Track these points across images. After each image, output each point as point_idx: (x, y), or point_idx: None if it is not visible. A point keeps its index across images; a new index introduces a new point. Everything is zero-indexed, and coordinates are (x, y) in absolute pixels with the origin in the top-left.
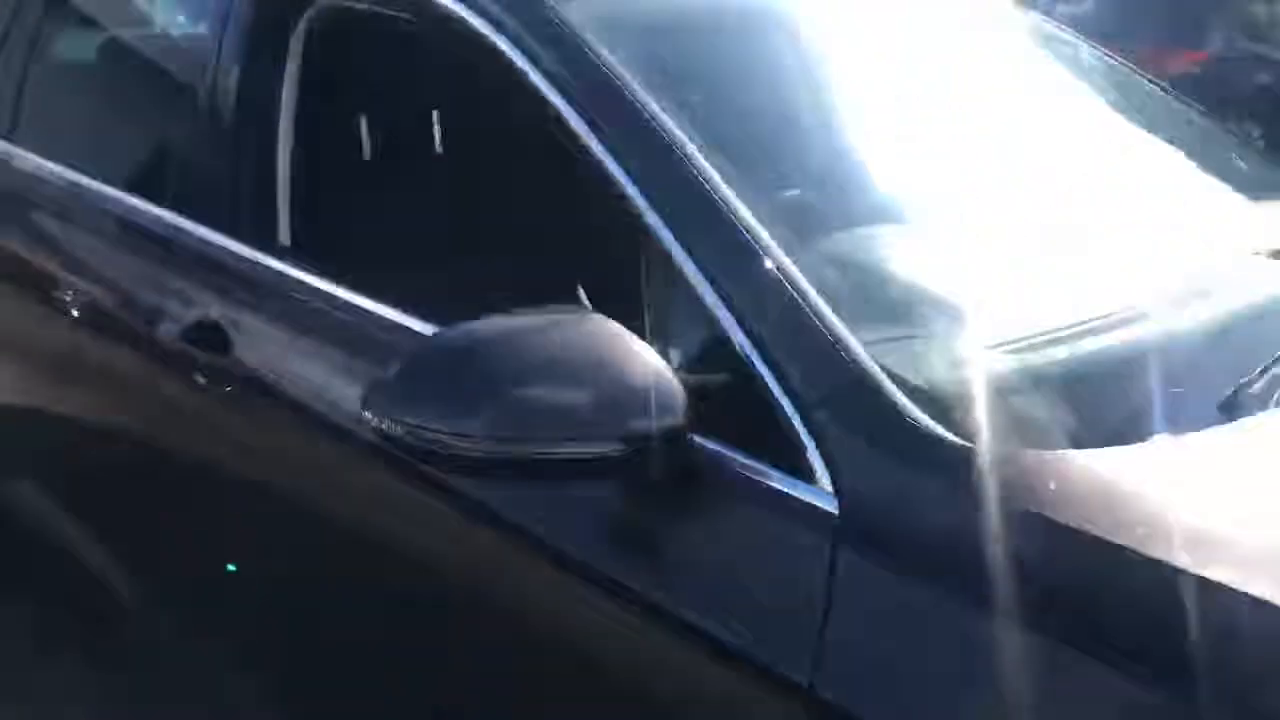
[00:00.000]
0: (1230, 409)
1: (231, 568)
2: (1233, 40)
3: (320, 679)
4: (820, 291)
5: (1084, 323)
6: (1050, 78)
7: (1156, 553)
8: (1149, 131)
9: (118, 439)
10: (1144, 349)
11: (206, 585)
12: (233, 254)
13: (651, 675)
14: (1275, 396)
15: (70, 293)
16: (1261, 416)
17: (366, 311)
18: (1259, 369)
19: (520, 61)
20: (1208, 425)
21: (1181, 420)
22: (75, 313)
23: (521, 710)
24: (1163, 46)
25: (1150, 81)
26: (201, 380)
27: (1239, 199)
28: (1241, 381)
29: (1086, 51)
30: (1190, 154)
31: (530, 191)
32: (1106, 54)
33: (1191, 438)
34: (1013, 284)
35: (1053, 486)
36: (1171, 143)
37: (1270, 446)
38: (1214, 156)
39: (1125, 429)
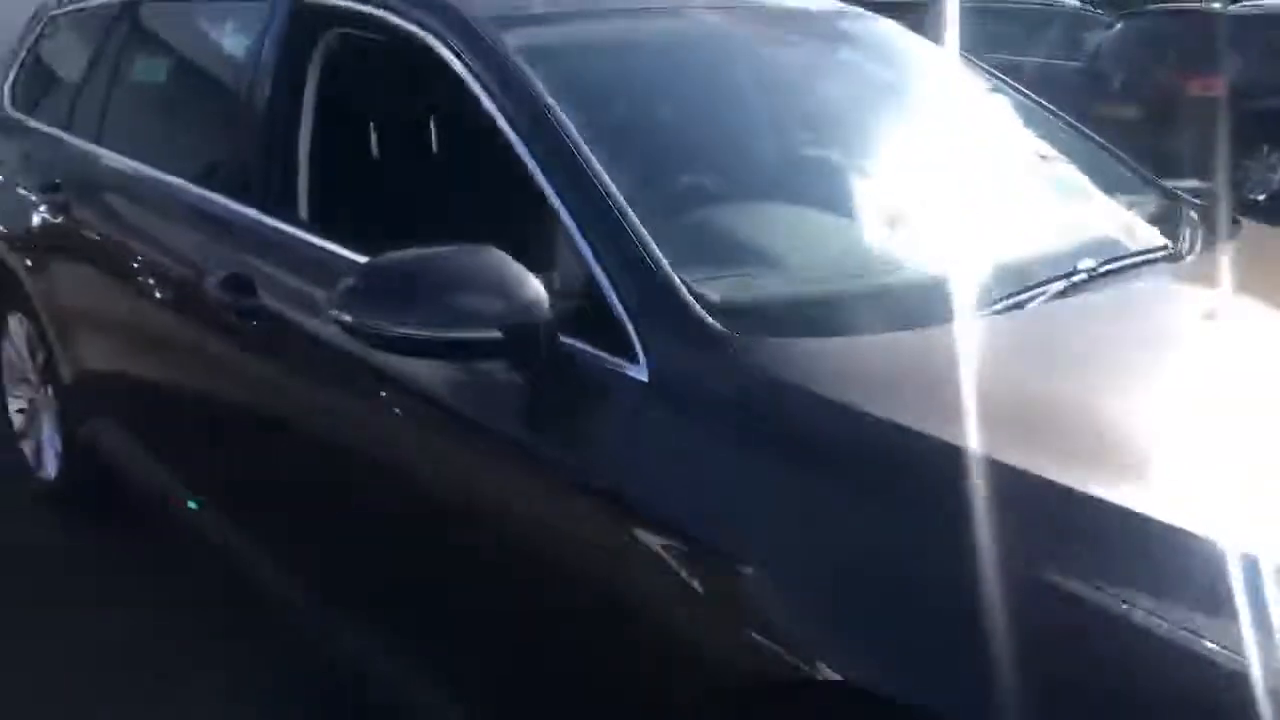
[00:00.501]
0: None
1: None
2: (1248, 66)
3: (324, 533)
4: (651, 235)
5: (846, 266)
6: (866, 84)
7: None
8: (984, 130)
9: (172, 367)
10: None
11: (241, 475)
12: (262, 224)
13: (522, 489)
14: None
15: (140, 254)
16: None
17: (352, 260)
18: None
19: (466, 76)
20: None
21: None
22: (142, 269)
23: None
24: (1183, 72)
25: (1007, 85)
26: (235, 319)
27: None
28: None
29: (943, 65)
30: (1023, 154)
31: (466, 168)
32: (975, 66)
33: (893, 335)
34: (798, 241)
35: (791, 364)
36: (1003, 145)
37: (991, 338)
38: (1059, 160)
39: (844, 329)
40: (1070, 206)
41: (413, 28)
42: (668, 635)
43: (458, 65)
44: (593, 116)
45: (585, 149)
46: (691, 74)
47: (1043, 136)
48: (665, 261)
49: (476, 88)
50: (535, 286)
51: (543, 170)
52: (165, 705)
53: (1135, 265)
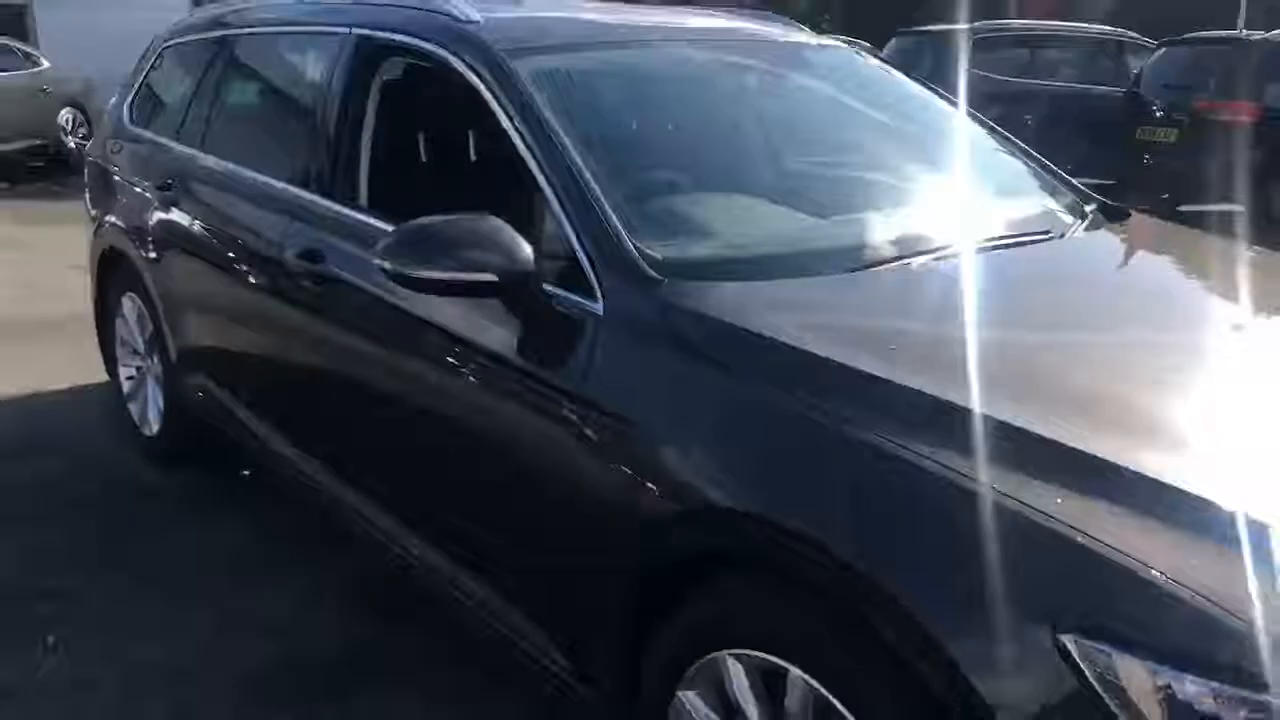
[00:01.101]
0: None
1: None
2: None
3: (372, 446)
4: (613, 211)
5: (758, 236)
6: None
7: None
8: (901, 135)
9: (256, 330)
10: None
11: (313, 412)
12: (330, 208)
13: (515, 393)
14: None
15: (232, 236)
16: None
17: None
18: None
19: (486, 93)
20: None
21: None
22: (234, 249)
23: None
24: (1218, 98)
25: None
26: (307, 282)
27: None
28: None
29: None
30: (932, 153)
31: (482, 161)
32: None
33: (779, 282)
34: (726, 218)
35: (702, 299)
36: (916, 147)
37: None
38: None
39: (745, 278)
40: (958, 194)
41: (449, 56)
42: (613, 484)
43: (480, 86)
44: (578, 124)
45: (570, 148)
46: (658, 91)
47: (956, 139)
48: (623, 230)
49: (493, 102)
50: (524, 245)
51: (537, 163)
52: (252, 601)
53: (998, 242)
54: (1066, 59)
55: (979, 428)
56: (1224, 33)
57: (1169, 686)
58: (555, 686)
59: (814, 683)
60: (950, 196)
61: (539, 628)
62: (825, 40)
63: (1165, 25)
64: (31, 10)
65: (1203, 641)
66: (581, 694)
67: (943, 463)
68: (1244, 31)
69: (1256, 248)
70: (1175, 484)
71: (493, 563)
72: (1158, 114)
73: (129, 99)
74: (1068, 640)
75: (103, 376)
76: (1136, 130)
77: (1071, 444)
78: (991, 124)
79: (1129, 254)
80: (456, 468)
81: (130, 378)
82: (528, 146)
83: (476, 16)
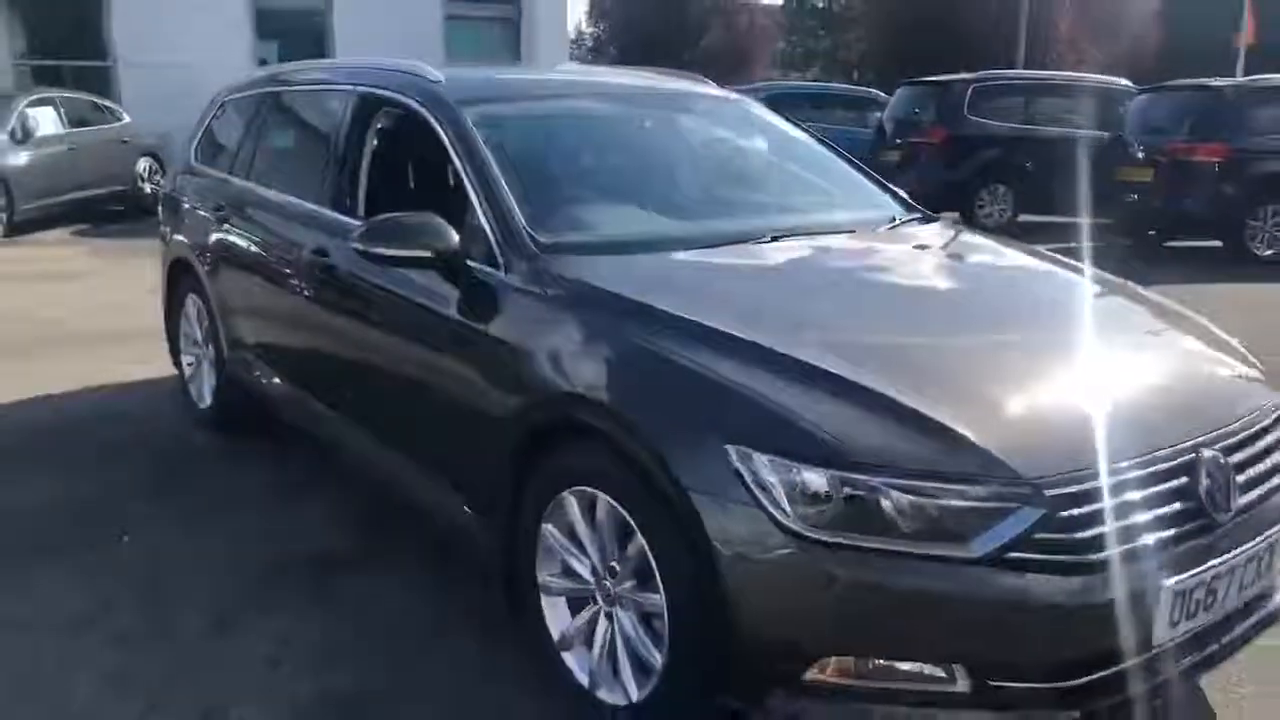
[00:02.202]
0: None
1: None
2: (1253, 135)
3: (365, 387)
4: (519, 208)
5: (625, 227)
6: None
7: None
8: (759, 160)
9: (284, 315)
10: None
11: (326, 370)
12: (334, 217)
13: (447, 337)
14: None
15: (267, 242)
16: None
17: None
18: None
19: (439, 130)
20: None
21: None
22: (268, 252)
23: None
24: (1190, 140)
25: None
26: (319, 273)
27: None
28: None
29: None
30: (785, 174)
31: (436, 175)
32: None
33: (629, 258)
34: (603, 214)
35: (572, 267)
36: (769, 170)
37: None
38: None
39: (607, 253)
40: (793, 201)
41: (418, 106)
42: (509, 386)
43: (437, 125)
44: (502, 150)
45: (494, 168)
46: (566, 129)
47: (808, 165)
48: (522, 223)
49: (444, 137)
50: (452, 233)
51: (469, 179)
52: (268, 517)
53: (817, 234)
54: (1062, 106)
55: (716, 339)
56: (1195, 80)
57: (793, 472)
58: (466, 530)
59: (611, 500)
60: (787, 202)
61: (457, 491)
62: (721, 92)
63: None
64: (116, 71)
65: (813, 447)
66: (484, 539)
67: (687, 357)
68: (1214, 79)
69: (1013, 244)
70: (796, 356)
71: (431, 449)
72: (1139, 155)
73: (194, 142)
74: (730, 447)
75: (168, 372)
76: (1119, 171)
77: (755, 340)
78: (849, 156)
79: (902, 245)
80: (410, 387)
81: (190, 363)
82: (464, 166)
83: (439, 77)
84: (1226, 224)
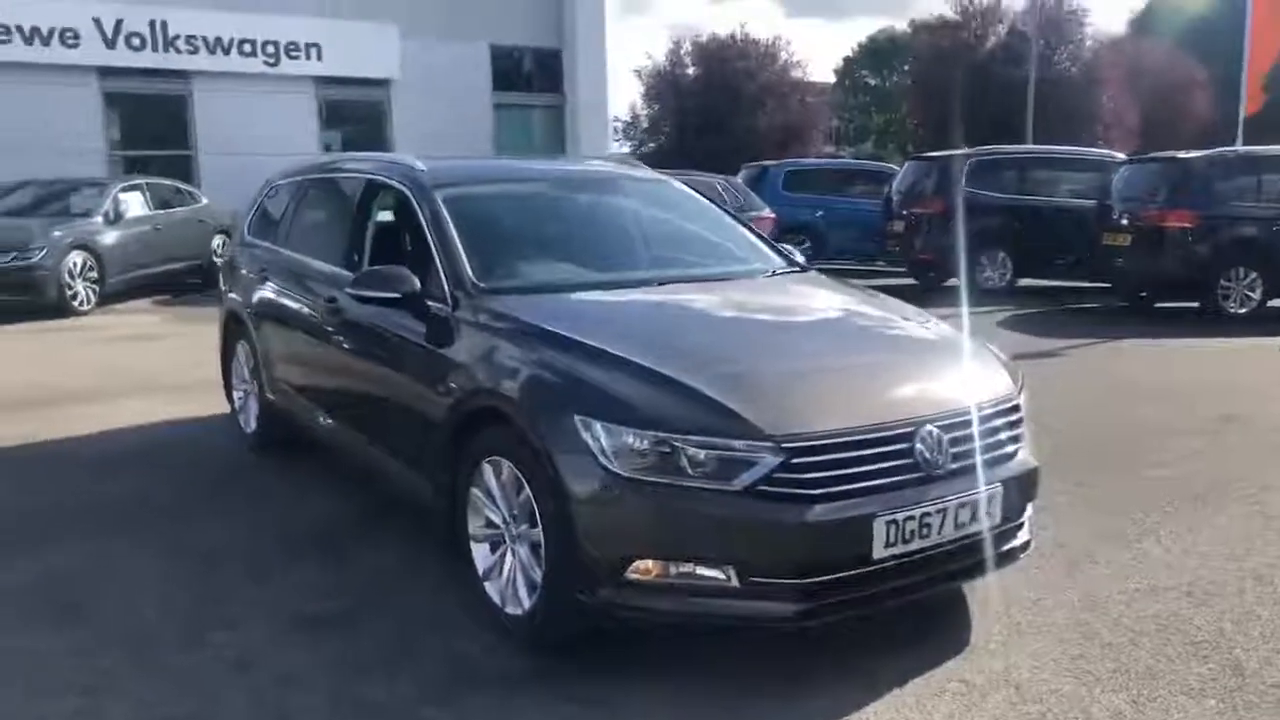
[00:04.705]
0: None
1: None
2: (1225, 202)
3: (363, 400)
4: (469, 263)
5: (554, 277)
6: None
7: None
8: (671, 223)
9: (308, 352)
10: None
11: (339, 393)
12: (344, 273)
13: (415, 359)
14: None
15: (295, 295)
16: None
17: None
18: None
19: (416, 206)
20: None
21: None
22: (296, 302)
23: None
24: (1164, 207)
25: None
26: (330, 316)
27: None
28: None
29: (671, 187)
30: (687, 232)
31: (411, 240)
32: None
33: (551, 296)
34: (537, 269)
35: (502, 304)
36: (678, 230)
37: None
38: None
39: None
40: (688, 257)
41: (404, 187)
42: (449, 387)
43: (415, 202)
44: (461, 220)
45: (453, 232)
46: (518, 206)
47: (710, 230)
48: (469, 272)
49: (420, 211)
50: (415, 280)
51: (434, 241)
52: (293, 509)
53: (697, 281)
54: (1056, 178)
55: (583, 348)
56: (1171, 153)
57: (619, 434)
58: (425, 501)
59: (510, 464)
60: (682, 258)
61: (413, 466)
62: (649, 174)
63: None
64: (197, 159)
65: (634, 416)
66: (435, 504)
67: (560, 359)
68: (1187, 151)
69: (857, 288)
70: (634, 359)
71: (394, 438)
72: (1122, 222)
73: (249, 219)
74: (578, 418)
75: (223, 410)
76: (1103, 237)
77: (607, 349)
78: (748, 223)
79: (772, 289)
80: (391, 397)
81: (239, 397)
82: (431, 232)
83: (424, 167)
84: (1201, 286)
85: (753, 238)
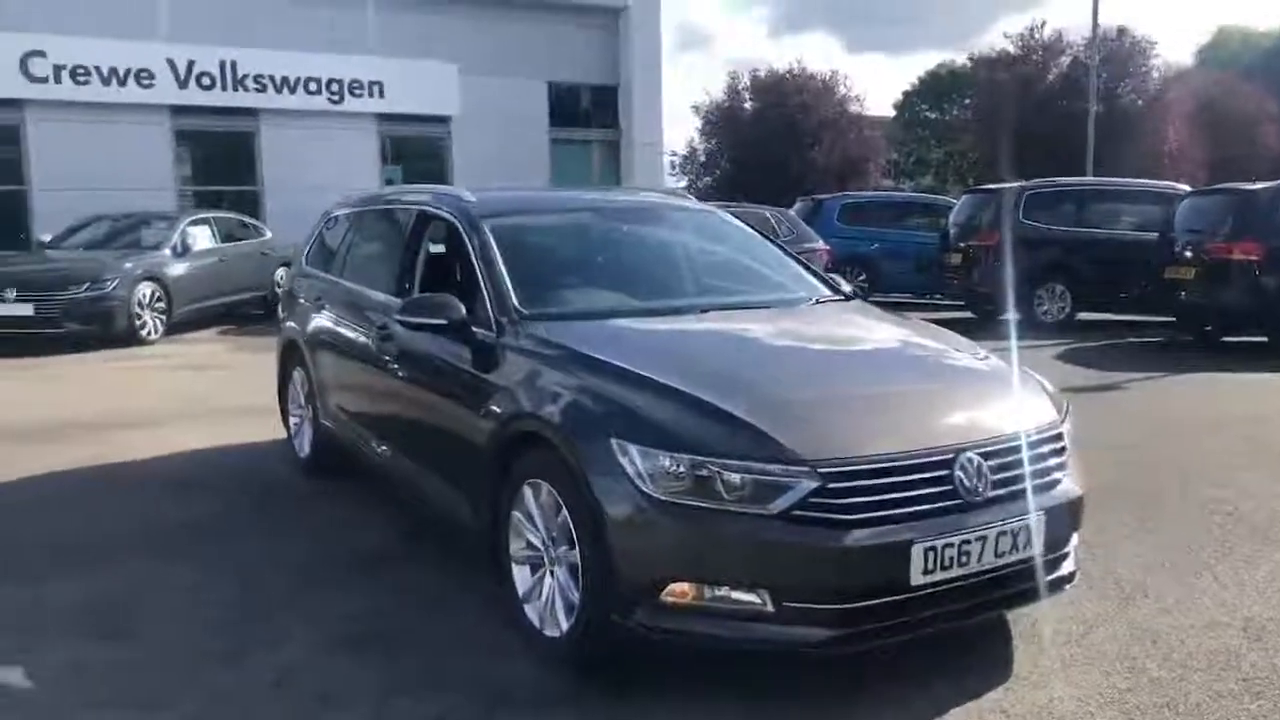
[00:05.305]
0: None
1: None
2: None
3: (409, 425)
4: (514, 290)
5: (595, 304)
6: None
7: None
8: (716, 254)
9: (359, 374)
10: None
11: (391, 419)
12: (395, 300)
13: (461, 383)
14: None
15: (349, 322)
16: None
17: None
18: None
19: (465, 234)
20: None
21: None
22: (350, 330)
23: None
24: (1228, 240)
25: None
26: (384, 344)
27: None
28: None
29: (717, 218)
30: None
31: (459, 267)
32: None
33: (586, 323)
34: (579, 296)
35: (544, 330)
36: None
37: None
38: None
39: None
40: (737, 287)
41: (454, 218)
42: (494, 411)
43: (463, 231)
44: (507, 249)
45: (499, 262)
46: (561, 235)
47: (756, 260)
48: (514, 299)
49: (469, 240)
50: (460, 307)
51: (481, 269)
52: (353, 535)
53: (738, 309)
54: (1115, 210)
55: (621, 373)
56: (1233, 185)
57: (656, 458)
58: (466, 522)
59: (550, 487)
60: (725, 286)
61: (458, 489)
62: (694, 204)
63: None
64: (263, 193)
65: (671, 441)
66: (476, 525)
67: (597, 384)
68: (1250, 181)
69: (903, 317)
70: (672, 384)
71: (441, 462)
72: (1187, 255)
73: (306, 250)
74: (614, 441)
75: (280, 436)
76: (1165, 270)
77: (646, 374)
78: (794, 254)
79: (815, 317)
80: (434, 420)
81: (295, 422)
82: (478, 260)
83: (473, 198)
84: (1268, 318)
85: (798, 267)
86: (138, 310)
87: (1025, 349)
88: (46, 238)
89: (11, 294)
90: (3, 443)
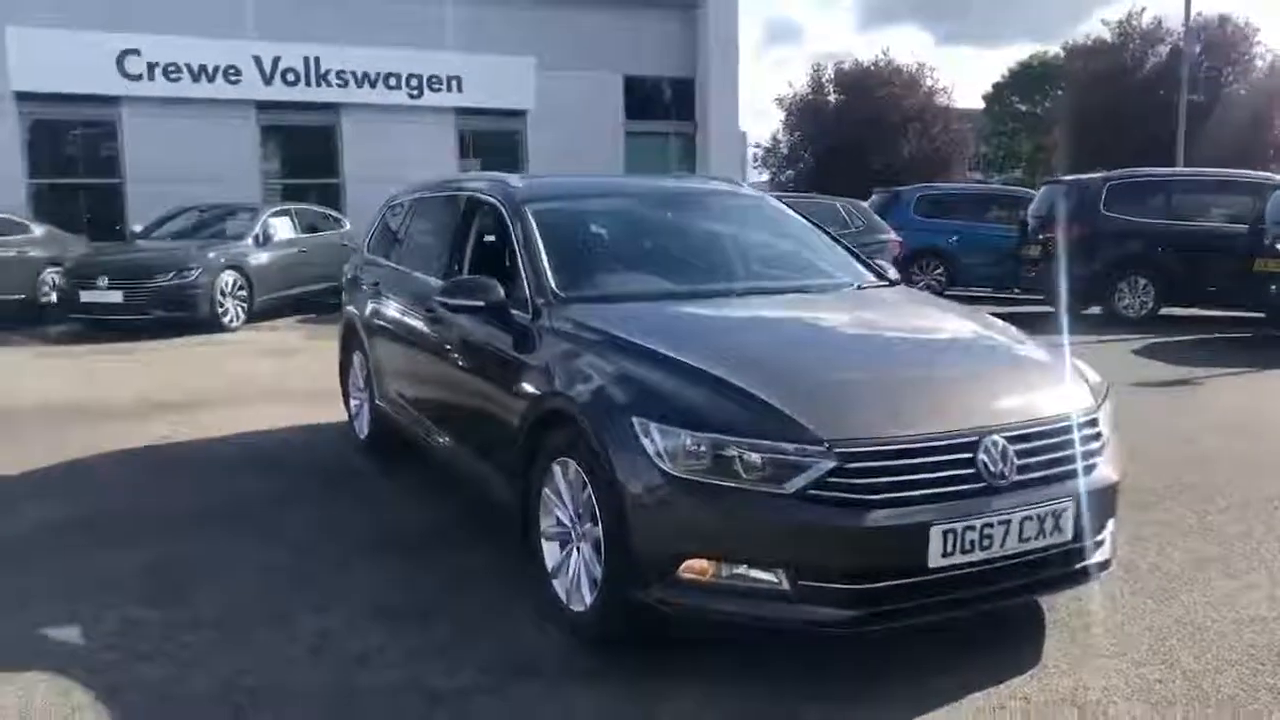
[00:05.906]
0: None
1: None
2: None
3: (456, 404)
4: (552, 274)
5: (629, 286)
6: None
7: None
8: (766, 241)
9: (411, 355)
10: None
11: (427, 391)
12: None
13: (501, 364)
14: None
15: (403, 307)
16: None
17: None
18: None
19: (508, 218)
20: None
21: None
22: (403, 311)
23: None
24: None
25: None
26: (431, 326)
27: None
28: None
29: (765, 204)
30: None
31: (501, 250)
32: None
33: (622, 305)
34: (615, 280)
35: (580, 311)
36: (771, 248)
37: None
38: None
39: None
40: (779, 271)
41: (499, 203)
42: (529, 390)
43: (506, 215)
44: (548, 232)
45: (540, 245)
46: (603, 220)
47: (801, 245)
48: (552, 282)
49: (512, 225)
50: (499, 290)
51: (523, 252)
52: (402, 513)
53: (777, 293)
54: (1203, 201)
55: (647, 353)
56: None
57: (675, 436)
58: (502, 498)
59: (576, 465)
60: (766, 271)
61: (495, 468)
62: (744, 191)
63: None
64: (344, 185)
65: (690, 418)
66: (510, 500)
67: (623, 364)
68: None
69: (947, 303)
70: (695, 364)
71: (482, 441)
72: (1277, 247)
73: (368, 237)
74: (635, 420)
75: (343, 418)
76: (1255, 262)
77: (671, 354)
78: (837, 237)
79: (853, 301)
80: (477, 401)
81: (355, 405)
82: (518, 244)
83: (518, 184)
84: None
85: (844, 253)
86: (220, 298)
87: (1103, 343)
88: (138, 228)
89: (103, 282)
90: (90, 421)
